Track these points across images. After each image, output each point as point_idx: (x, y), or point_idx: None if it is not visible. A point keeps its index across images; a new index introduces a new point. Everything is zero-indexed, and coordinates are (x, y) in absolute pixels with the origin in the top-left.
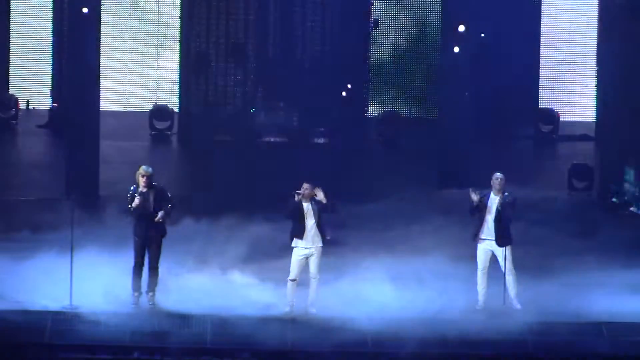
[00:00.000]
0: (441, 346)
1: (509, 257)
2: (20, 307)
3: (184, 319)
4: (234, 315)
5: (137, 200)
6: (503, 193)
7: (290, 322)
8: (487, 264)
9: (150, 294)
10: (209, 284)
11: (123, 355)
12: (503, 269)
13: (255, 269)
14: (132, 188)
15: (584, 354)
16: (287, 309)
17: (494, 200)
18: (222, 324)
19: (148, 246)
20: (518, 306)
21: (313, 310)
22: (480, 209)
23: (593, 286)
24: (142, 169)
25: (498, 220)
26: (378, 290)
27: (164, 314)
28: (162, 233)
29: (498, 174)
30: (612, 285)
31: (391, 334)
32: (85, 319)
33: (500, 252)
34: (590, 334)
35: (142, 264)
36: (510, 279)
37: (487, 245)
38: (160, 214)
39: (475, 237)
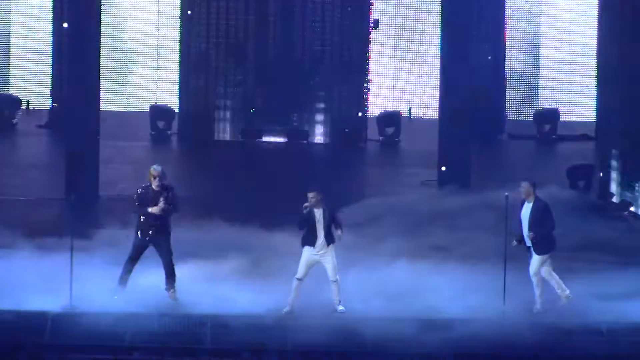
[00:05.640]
0: (441, 346)
1: (534, 262)
2: (21, 307)
3: (184, 319)
4: (234, 315)
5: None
6: (535, 200)
7: (290, 322)
8: (534, 270)
9: (171, 290)
10: (209, 284)
11: (123, 356)
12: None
13: (254, 268)
14: (143, 185)
15: (584, 354)
16: (287, 308)
17: (526, 208)
18: (222, 324)
19: (155, 246)
20: (537, 308)
21: (341, 309)
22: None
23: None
24: (153, 169)
25: (529, 227)
26: (377, 291)
27: (164, 314)
28: (167, 232)
29: (523, 182)
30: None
31: (391, 334)
32: (85, 319)
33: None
34: (590, 334)
35: (136, 260)
36: (533, 280)
37: (529, 251)
38: (159, 206)
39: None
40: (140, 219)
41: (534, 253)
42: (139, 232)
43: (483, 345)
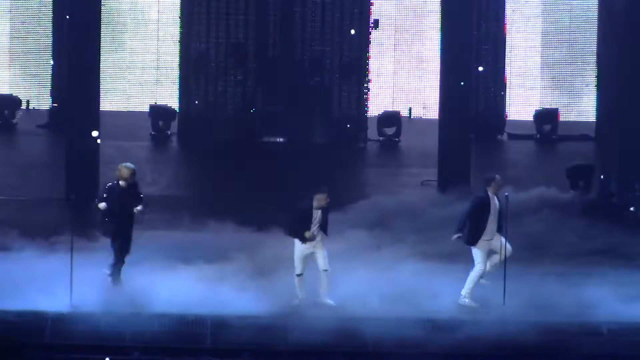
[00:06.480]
0: (440, 346)
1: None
2: (20, 308)
3: (184, 319)
4: (234, 315)
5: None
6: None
7: (290, 322)
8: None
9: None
10: (209, 285)
11: (123, 356)
12: (502, 257)
13: (255, 268)
14: (109, 184)
15: (584, 354)
16: (295, 301)
17: (494, 202)
18: (222, 324)
19: (121, 233)
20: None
21: (330, 302)
22: (477, 215)
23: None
24: (125, 167)
25: (499, 219)
26: (377, 291)
27: (164, 314)
28: (131, 222)
29: (498, 176)
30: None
31: (391, 334)
32: (85, 319)
33: (498, 244)
34: (590, 334)
35: (122, 263)
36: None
37: (485, 245)
38: (139, 208)
39: (477, 242)
40: (110, 219)
41: (501, 238)
42: (113, 238)
43: (483, 345)
